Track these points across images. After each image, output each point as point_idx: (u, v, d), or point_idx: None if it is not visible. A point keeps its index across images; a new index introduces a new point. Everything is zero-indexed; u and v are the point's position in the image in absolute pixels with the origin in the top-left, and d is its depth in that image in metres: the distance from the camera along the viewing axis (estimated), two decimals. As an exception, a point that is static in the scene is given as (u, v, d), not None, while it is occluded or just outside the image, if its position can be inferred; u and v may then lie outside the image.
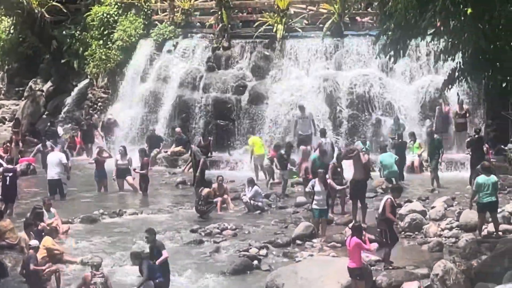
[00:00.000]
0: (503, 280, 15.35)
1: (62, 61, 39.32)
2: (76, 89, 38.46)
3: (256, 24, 33.56)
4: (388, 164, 25.60)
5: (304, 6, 34.09)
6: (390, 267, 17.61)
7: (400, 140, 27.66)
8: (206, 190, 23.58)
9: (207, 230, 21.36)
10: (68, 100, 38.42)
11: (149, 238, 17.02)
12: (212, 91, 33.02)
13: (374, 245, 18.79)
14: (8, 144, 33.12)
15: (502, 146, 27.35)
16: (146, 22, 36.34)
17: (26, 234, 19.39)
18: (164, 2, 36.46)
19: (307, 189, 22.63)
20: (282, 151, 26.13)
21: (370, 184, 23.64)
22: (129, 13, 36.53)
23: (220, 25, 33.98)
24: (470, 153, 25.59)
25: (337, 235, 20.30)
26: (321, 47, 32.21)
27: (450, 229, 20.36)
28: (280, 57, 32.82)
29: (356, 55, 31.65)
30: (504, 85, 16.90)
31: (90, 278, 16.25)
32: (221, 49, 33.97)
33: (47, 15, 39.34)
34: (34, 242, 17.83)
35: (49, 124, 35.98)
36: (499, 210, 19.88)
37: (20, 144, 34.74)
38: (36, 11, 38.73)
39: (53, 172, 25.91)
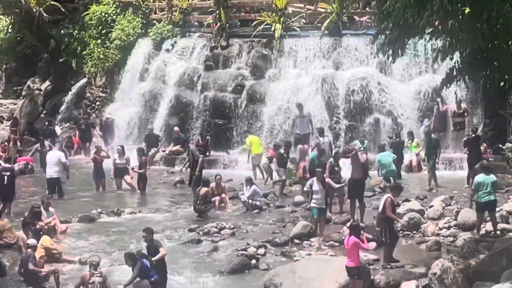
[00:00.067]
0: (501, 279, 15.37)
1: (60, 60, 39.30)
2: (74, 88, 38.44)
3: (254, 23, 33.57)
4: (386, 163, 25.61)
5: (302, 5, 34.06)
6: (388, 266, 17.63)
7: (397, 139, 27.67)
8: (204, 189, 23.57)
9: (205, 229, 21.35)
10: (66, 99, 38.40)
11: (147, 237, 17.04)
12: (210, 90, 33.02)
13: (372, 244, 18.86)
14: (6, 143, 33.16)
15: (500, 145, 27.32)
16: (144, 21, 36.38)
17: (24, 233, 19.36)
18: (162, 1, 36.46)
19: (305, 189, 22.63)
20: (282, 150, 26.15)
21: (368, 183, 23.65)
22: (127, 12, 36.55)
23: (218, 24, 33.99)
24: (467, 152, 25.58)
25: (335, 234, 20.30)
26: (319, 46, 32.22)
27: (448, 228, 20.36)
28: (278, 57, 32.83)
29: (354, 54, 31.67)
30: (502, 84, 16.94)
31: (88, 278, 16.24)
32: (219, 48, 33.98)
33: (45, 14, 39.33)
34: (32, 241, 17.84)
35: (47, 123, 35.96)
36: (497, 209, 19.90)
37: (18, 143, 34.71)
38: (34, 10, 38.72)
39: (52, 171, 25.92)
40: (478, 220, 19.69)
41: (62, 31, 39.52)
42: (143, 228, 17.75)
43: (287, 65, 32.59)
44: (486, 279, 15.82)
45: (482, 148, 26.46)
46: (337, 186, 22.54)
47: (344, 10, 32.27)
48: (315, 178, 20.99)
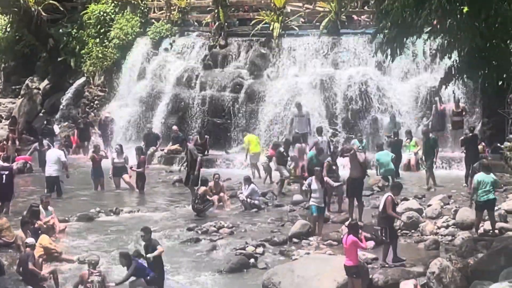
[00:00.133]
0: (499, 278, 15.38)
1: (59, 59, 39.26)
2: (72, 87, 38.39)
3: (253, 22, 33.55)
4: (384, 162, 25.62)
5: (300, 4, 34.07)
6: (387, 265, 17.65)
7: (396, 138, 27.67)
8: (202, 188, 23.58)
9: (203, 228, 21.36)
10: (65, 98, 38.36)
11: (145, 236, 17.05)
12: (208, 89, 33.03)
13: (370, 243, 18.88)
14: (4, 142, 33.10)
15: (499, 144, 27.36)
16: (143, 20, 36.37)
17: (22, 232, 19.36)
18: (160, 0, 36.45)
19: (303, 188, 22.65)
20: (281, 149, 26.17)
21: (367, 182, 23.67)
22: (125, 11, 36.54)
23: (217, 23, 33.99)
24: (465, 151, 25.60)
25: (334, 233, 20.30)
26: (317, 46, 32.23)
27: (447, 227, 20.39)
28: (277, 56, 32.83)
29: (352, 53, 31.67)
30: (500, 83, 16.95)
31: (87, 277, 16.26)
32: (217, 47, 33.98)
33: (43, 13, 39.29)
34: (30, 240, 17.82)
35: (45, 122, 35.92)
36: (495, 208, 19.92)
37: (17, 142, 34.66)
38: (33, 9, 38.67)
39: (51, 169, 25.93)
40: (477, 219, 19.72)
41: (60, 30, 39.49)
42: (141, 227, 17.77)
43: (285, 64, 32.59)
44: (484, 278, 15.83)
45: (480, 147, 26.49)
46: (335, 184, 22.57)
47: (342, 9, 32.29)
48: (313, 177, 21.01)
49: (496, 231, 19.45)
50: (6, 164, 24.51)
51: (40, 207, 20.80)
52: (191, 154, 25.79)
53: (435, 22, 16.22)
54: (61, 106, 38.01)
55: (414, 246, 19.66)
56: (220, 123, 32.42)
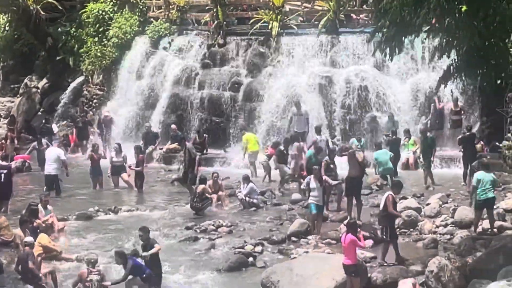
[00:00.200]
0: (498, 277, 15.40)
1: (58, 58, 39.19)
2: (71, 86, 38.35)
3: (252, 21, 33.58)
4: (383, 161, 25.61)
5: (299, 3, 34.09)
6: (385, 264, 17.65)
7: (394, 137, 27.68)
8: (201, 187, 23.58)
9: (202, 227, 21.36)
10: (64, 97, 38.33)
11: (143, 236, 17.06)
12: (207, 88, 33.05)
13: (369, 242, 18.89)
14: (3, 141, 33.10)
15: (497, 143, 27.36)
16: (142, 19, 36.33)
17: (21, 231, 19.37)
18: (159, -1, 36.49)
19: (302, 186, 22.65)
20: (281, 147, 26.19)
21: (365, 181, 23.67)
22: (124, 10, 36.50)
23: (216, 22, 33.99)
24: (462, 150, 25.61)
25: (332, 232, 20.29)
26: (316, 44, 32.26)
27: (445, 226, 20.39)
28: (276, 54, 32.85)
29: (351, 52, 31.70)
30: (498, 82, 16.97)
31: (86, 275, 16.26)
32: (216, 46, 33.99)
33: (42, 12, 39.21)
34: (30, 239, 17.81)
35: (44, 121, 35.91)
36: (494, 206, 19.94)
37: (15, 141, 34.68)
38: (32, 8, 38.61)
39: (50, 168, 25.93)
40: (475, 218, 19.73)
41: (59, 29, 39.43)
42: (140, 226, 17.78)
43: (284, 63, 32.60)
44: (483, 276, 15.84)
45: (479, 146, 26.50)
46: (334, 182, 22.58)
47: (341, 8, 32.35)
48: (312, 176, 21.02)
49: (495, 229, 19.46)
50: (4, 163, 24.51)
51: (39, 205, 20.80)
52: (190, 153, 25.81)
53: (433, 21, 16.22)
54: (59, 105, 37.99)
55: (412, 245, 19.65)
56: (219, 122, 32.44)
